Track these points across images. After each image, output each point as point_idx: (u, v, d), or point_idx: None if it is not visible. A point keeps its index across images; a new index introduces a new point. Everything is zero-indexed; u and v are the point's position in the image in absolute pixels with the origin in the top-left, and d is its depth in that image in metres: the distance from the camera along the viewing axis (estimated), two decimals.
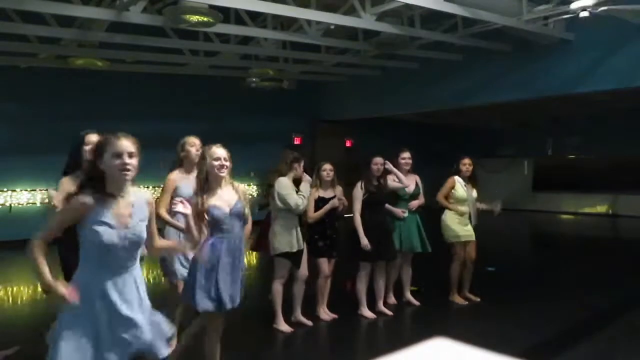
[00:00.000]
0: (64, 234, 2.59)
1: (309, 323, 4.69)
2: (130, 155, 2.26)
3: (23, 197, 9.63)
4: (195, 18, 6.55)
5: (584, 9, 6.37)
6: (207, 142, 3.53)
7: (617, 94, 9.57)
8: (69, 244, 2.72)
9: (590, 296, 5.89)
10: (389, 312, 5.00)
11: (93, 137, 3.14)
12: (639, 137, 13.69)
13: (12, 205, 9.52)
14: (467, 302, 5.49)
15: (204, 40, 9.05)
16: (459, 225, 5.40)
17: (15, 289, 6.49)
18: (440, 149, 14.44)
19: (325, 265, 4.78)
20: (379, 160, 4.91)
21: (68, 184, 3.06)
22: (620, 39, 8.13)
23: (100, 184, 2.27)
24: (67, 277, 3.19)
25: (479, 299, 5.52)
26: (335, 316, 4.87)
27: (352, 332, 4.60)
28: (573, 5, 6.45)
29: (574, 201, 16.14)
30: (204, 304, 3.09)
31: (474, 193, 5.49)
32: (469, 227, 5.46)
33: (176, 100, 11.05)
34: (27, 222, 9.50)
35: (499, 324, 4.82)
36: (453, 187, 5.41)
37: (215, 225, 3.12)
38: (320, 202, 4.69)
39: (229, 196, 3.17)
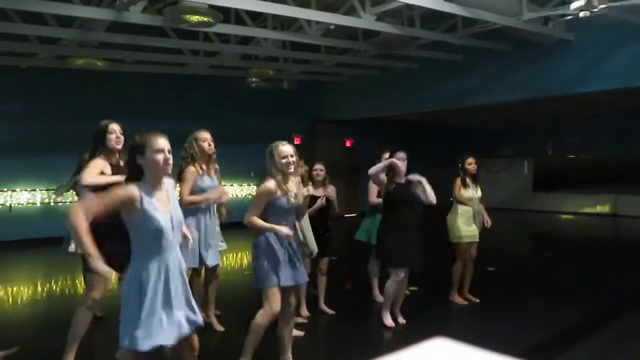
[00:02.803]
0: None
1: (304, 320, 4.73)
2: (169, 151, 2.57)
3: (23, 197, 9.63)
4: (195, 18, 6.54)
5: (584, 9, 6.36)
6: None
7: (617, 94, 9.58)
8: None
9: (590, 296, 5.89)
10: (403, 321, 4.81)
11: (116, 126, 3.60)
12: (638, 137, 13.70)
13: (12, 205, 9.51)
14: (467, 302, 5.49)
15: (204, 40, 9.05)
16: (464, 225, 5.38)
17: (15, 289, 6.49)
18: (440, 149, 14.45)
19: (309, 263, 4.72)
20: (402, 155, 4.61)
21: (101, 163, 3.46)
22: (620, 39, 8.13)
23: (141, 177, 2.53)
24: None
25: (478, 300, 5.52)
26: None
27: (352, 332, 4.60)
28: (573, 6, 6.44)
29: (574, 201, 16.14)
30: (261, 283, 3.37)
31: (478, 192, 5.49)
32: (474, 228, 5.44)
33: (176, 101, 11.05)
34: (27, 222, 9.55)
35: (499, 324, 4.82)
36: (461, 187, 5.41)
37: (277, 214, 3.38)
38: (311, 202, 4.66)
39: (293, 189, 3.45)
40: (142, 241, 2.51)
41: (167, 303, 2.51)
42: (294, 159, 3.41)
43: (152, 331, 2.44)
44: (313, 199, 4.70)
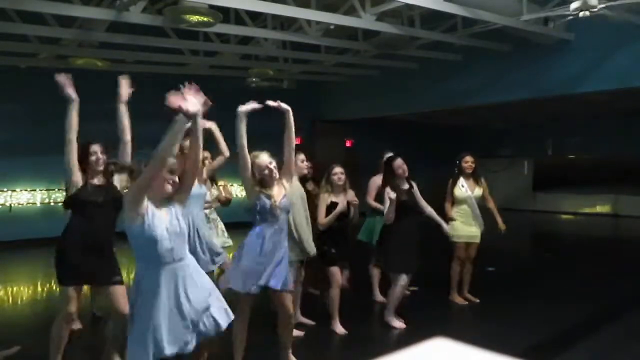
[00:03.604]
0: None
1: (311, 322, 4.71)
2: (172, 172, 2.61)
3: (23, 197, 9.63)
4: (195, 18, 6.54)
5: (583, 9, 6.36)
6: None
7: (617, 94, 9.57)
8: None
9: (589, 296, 5.89)
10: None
11: (97, 147, 3.70)
12: (639, 137, 13.70)
13: (12, 205, 9.51)
14: (467, 302, 5.49)
15: (204, 40, 9.04)
16: (462, 225, 5.38)
17: (15, 289, 6.49)
18: (440, 149, 14.44)
19: (339, 274, 4.53)
20: (400, 161, 4.61)
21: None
22: (620, 39, 8.13)
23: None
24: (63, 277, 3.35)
25: (478, 300, 5.52)
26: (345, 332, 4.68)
27: (352, 332, 4.59)
28: (573, 6, 6.44)
29: (574, 201, 16.16)
30: (235, 284, 3.32)
31: (476, 191, 5.43)
32: (473, 229, 5.42)
33: None
34: (27, 222, 9.54)
35: (499, 324, 4.82)
36: (454, 187, 5.40)
37: (262, 214, 3.38)
38: (332, 208, 4.45)
39: (278, 192, 3.46)
40: (140, 248, 2.57)
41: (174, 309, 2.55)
42: (273, 165, 3.45)
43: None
44: (333, 205, 4.45)
